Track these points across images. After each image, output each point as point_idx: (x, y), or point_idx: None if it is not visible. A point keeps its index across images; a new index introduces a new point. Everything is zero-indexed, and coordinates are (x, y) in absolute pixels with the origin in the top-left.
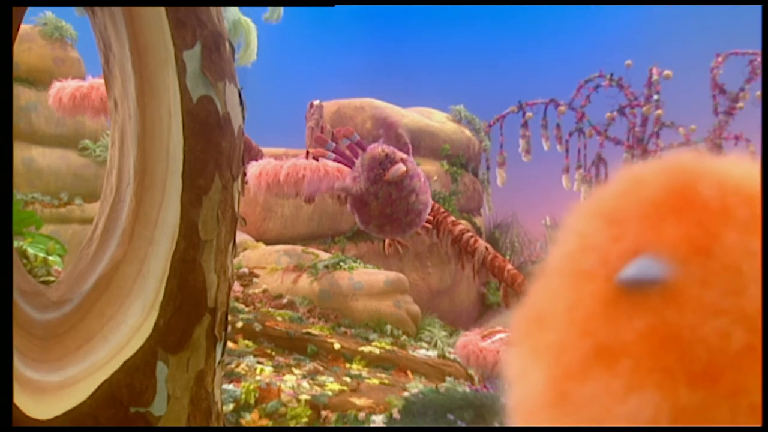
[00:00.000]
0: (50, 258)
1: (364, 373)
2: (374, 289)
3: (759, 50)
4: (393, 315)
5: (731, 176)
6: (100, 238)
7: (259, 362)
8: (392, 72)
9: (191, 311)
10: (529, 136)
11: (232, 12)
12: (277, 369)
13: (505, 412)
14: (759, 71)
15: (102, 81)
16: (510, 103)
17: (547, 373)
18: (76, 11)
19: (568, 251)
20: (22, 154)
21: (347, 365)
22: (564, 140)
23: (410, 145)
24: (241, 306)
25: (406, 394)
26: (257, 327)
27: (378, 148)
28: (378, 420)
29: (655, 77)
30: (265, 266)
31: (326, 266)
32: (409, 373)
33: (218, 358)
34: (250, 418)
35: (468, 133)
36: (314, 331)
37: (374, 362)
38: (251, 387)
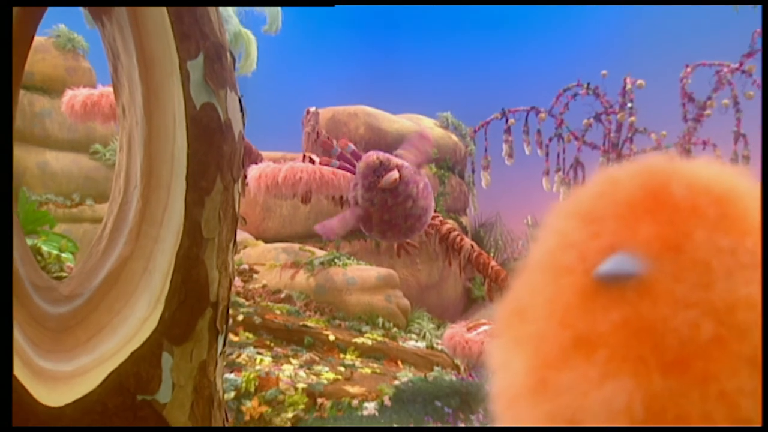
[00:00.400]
0: (63, 255)
1: (357, 363)
2: (367, 284)
3: (725, 62)
4: (384, 308)
5: (701, 178)
6: (109, 237)
7: (258, 353)
8: (384, 81)
9: (194, 305)
10: (511, 141)
11: (234, 24)
12: (276, 359)
13: (490, 398)
14: (725, 81)
15: (111, 89)
16: (494, 110)
17: (528, 362)
18: (87, 24)
19: (548, 248)
20: (37, 158)
21: (341, 355)
22: (544, 145)
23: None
24: (241, 300)
25: (396, 382)
26: (257, 320)
27: (372, 156)
28: (370, 406)
29: (628, 86)
30: (265, 263)
31: (322, 263)
32: (399, 362)
33: (220, 349)
34: (250, 405)
35: (455, 138)
36: (310, 323)
37: (367, 353)
38: (251, 376)
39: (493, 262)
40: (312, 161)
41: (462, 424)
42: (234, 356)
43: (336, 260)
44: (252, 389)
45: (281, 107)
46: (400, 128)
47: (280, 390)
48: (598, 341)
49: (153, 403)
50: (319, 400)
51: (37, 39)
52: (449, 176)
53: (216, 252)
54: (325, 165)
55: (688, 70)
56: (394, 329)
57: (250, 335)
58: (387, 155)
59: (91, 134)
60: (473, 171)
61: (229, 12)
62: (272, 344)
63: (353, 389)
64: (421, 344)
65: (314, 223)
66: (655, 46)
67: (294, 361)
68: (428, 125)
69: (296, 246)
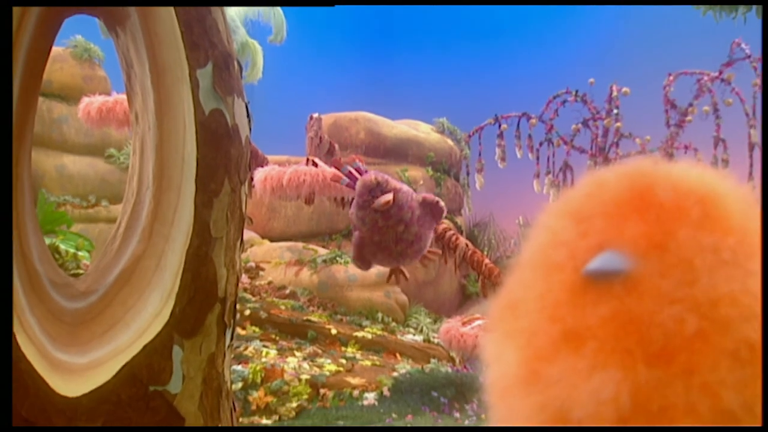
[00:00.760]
0: (80, 253)
1: (358, 356)
2: (367, 281)
3: (704, 70)
4: (383, 304)
5: (685, 180)
6: (123, 236)
7: (264, 346)
8: (383, 88)
9: (203, 300)
10: (504, 146)
11: (241, 35)
12: (281, 352)
13: (483, 389)
14: (705, 89)
15: (125, 96)
16: (487, 116)
17: (520, 355)
18: (102, 34)
19: (539, 246)
20: (55, 161)
21: (343, 348)
22: (535, 149)
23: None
24: (248, 296)
25: (395, 374)
26: (263, 315)
27: (371, 176)
28: (370, 397)
29: (614, 94)
30: (270, 261)
31: (324, 261)
32: (397, 355)
33: (228, 342)
34: (256, 395)
35: (450, 142)
36: (314, 318)
37: (367, 346)
38: (258, 368)
39: (486, 260)
40: (315, 164)
41: (457, 414)
42: (241, 349)
43: (338, 258)
44: (258, 380)
45: (286, 113)
46: (398, 133)
47: (284, 381)
48: (587, 334)
49: (164, 393)
50: (322, 391)
51: (56, 49)
52: (445, 179)
53: (224, 250)
54: (336, 181)
55: (671, 78)
56: (393, 324)
57: (257, 329)
58: (386, 177)
59: (106, 139)
60: (468, 174)
61: (237, 23)
62: (277, 338)
63: (354, 380)
64: (419, 338)
65: (317, 223)
66: (640, 56)
67: (298, 354)
68: (425, 130)
69: (300, 245)
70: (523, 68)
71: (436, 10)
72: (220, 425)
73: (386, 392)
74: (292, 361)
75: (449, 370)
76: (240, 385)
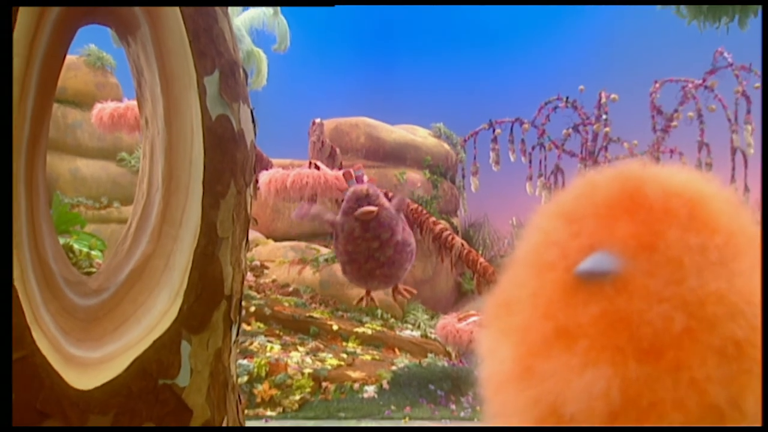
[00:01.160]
0: (92, 252)
1: (358, 350)
2: None
3: (689, 78)
4: (383, 301)
5: (673, 182)
6: (134, 236)
7: (269, 341)
8: (382, 95)
9: (210, 298)
10: (498, 149)
11: (246, 43)
12: (285, 347)
13: (479, 383)
14: (690, 96)
15: (136, 103)
16: (482, 122)
17: (513, 351)
18: (114, 43)
19: (532, 246)
20: (69, 164)
21: (344, 344)
22: (528, 153)
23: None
24: (253, 293)
25: (394, 368)
26: (267, 311)
27: (364, 186)
28: (370, 390)
29: (603, 100)
30: (274, 260)
31: (326, 259)
32: (396, 350)
33: (234, 337)
34: (261, 388)
35: (447, 146)
36: (316, 314)
37: (367, 341)
38: (262, 362)
39: (481, 259)
40: (317, 167)
41: (453, 406)
42: (246, 344)
43: None
44: (263, 374)
45: (289, 119)
46: (397, 137)
47: (288, 375)
48: (579, 332)
49: (173, 386)
50: (324, 384)
51: (70, 57)
52: (441, 181)
53: (230, 250)
54: (341, 190)
55: (657, 85)
56: (392, 320)
57: (261, 325)
58: (379, 193)
59: (118, 143)
60: (463, 176)
61: (242, 32)
62: (281, 333)
63: (355, 374)
64: (416, 333)
65: (319, 224)
66: (628, 64)
67: (301, 349)
68: (423, 135)
69: (303, 244)
70: (516, 75)
71: (433, 22)
72: (226, 417)
73: (385, 385)
74: (295, 356)
75: (446, 364)
76: (245, 378)
